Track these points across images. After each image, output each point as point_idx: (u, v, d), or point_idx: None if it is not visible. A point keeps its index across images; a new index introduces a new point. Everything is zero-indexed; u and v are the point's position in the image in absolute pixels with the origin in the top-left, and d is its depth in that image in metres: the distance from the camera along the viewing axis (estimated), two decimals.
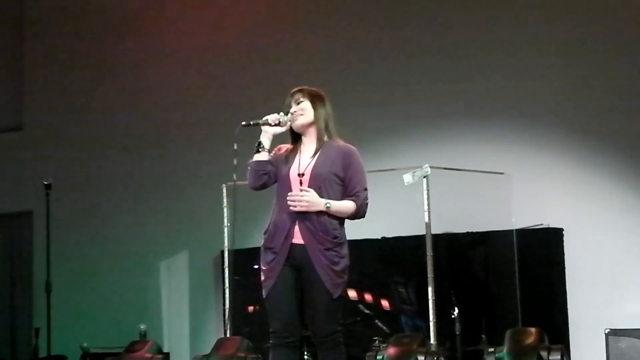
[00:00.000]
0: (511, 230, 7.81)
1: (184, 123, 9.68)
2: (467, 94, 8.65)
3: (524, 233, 7.87)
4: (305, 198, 4.67)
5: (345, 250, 4.78)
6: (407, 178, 7.03)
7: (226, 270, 7.85)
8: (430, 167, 7.02)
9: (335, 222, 4.73)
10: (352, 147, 4.85)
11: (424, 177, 7.02)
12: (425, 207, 7.06)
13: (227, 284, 7.83)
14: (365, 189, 4.79)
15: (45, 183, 8.90)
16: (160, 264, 9.80)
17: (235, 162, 4.87)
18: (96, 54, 10.13)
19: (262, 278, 4.80)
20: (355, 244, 8.22)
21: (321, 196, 4.69)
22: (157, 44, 9.92)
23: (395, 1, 9.13)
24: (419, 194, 7.07)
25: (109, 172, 9.93)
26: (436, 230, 7.18)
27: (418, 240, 7.30)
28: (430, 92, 8.75)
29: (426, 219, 7.05)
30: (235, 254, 7.57)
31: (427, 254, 7.02)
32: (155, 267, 9.80)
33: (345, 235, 4.81)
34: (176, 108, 9.73)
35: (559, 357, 6.34)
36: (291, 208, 4.68)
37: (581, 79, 8.29)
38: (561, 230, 8.10)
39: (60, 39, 10.30)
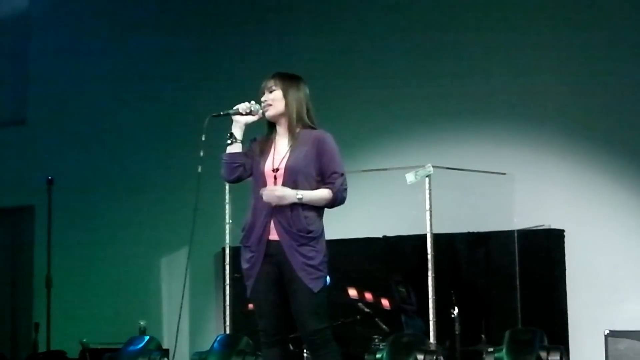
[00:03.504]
0: (512, 231, 7.81)
1: (187, 119, 9.67)
2: (470, 94, 8.64)
3: (525, 234, 7.86)
4: (276, 193, 4.51)
5: (322, 244, 4.56)
6: (410, 177, 7.03)
7: (227, 267, 7.86)
8: (433, 166, 7.03)
9: (311, 215, 4.54)
10: (326, 133, 4.64)
11: (427, 176, 7.03)
12: (427, 207, 7.07)
13: (227, 281, 7.83)
14: (342, 174, 4.58)
15: (48, 178, 8.92)
16: (160, 260, 9.80)
17: (201, 153, 4.77)
18: (100, 49, 10.13)
19: (245, 277, 4.68)
20: (356, 243, 8.42)
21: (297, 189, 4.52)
22: (162, 40, 9.92)
23: (397, 2, 9.13)
24: (421, 193, 7.07)
25: (111, 168, 9.93)
26: (437, 230, 7.17)
27: (419, 239, 7.30)
28: (433, 92, 8.72)
29: (428, 219, 7.07)
30: (236, 250, 7.56)
31: (428, 253, 7.03)
32: (155, 263, 9.80)
33: (322, 227, 4.60)
34: (179, 105, 9.72)
35: (558, 357, 6.36)
36: (265, 200, 4.53)
37: (584, 81, 8.27)
38: (562, 231, 8.09)
39: (64, 34, 10.30)
